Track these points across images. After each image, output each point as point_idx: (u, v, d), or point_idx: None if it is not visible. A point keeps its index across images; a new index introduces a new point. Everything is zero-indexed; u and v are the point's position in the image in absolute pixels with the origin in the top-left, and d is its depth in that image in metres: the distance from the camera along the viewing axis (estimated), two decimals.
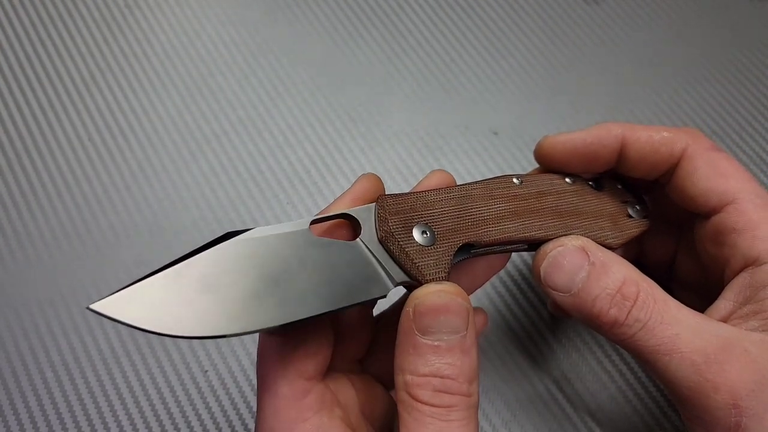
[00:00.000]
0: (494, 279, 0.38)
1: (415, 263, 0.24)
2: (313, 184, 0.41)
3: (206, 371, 0.35)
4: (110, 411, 0.34)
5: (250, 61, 0.45)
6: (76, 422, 0.34)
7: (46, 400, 0.34)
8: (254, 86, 0.44)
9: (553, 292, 0.25)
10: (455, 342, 0.23)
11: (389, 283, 0.24)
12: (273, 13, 0.47)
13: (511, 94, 0.45)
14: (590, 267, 0.25)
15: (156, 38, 0.46)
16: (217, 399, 0.35)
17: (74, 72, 0.44)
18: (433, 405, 0.22)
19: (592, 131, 0.29)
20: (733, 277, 0.27)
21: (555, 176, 0.29)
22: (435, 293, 0.23)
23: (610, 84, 0.46)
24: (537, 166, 0.32)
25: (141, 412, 0.34)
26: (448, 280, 0.24)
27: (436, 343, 0.22)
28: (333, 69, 0.45)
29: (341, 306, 0.23)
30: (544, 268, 0.26)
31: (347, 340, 0.28)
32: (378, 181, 0.27)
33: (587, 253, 0.25)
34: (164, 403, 0.34)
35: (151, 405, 0.34)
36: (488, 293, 0.38)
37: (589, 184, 0.30)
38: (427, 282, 0.24)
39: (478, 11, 0.48)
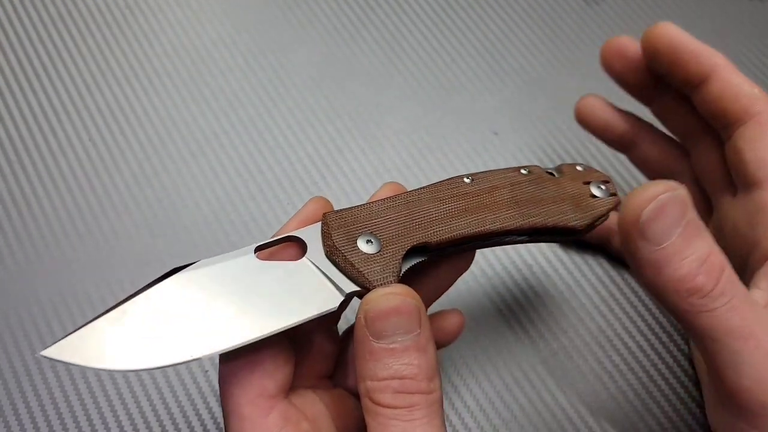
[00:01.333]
0: (499, 278, 0.38)
1: (361, 271, 0.24)
2: (314, 184, 0.41)
3: (206, 371, 0.35)
4: (111, 411, 0.34)
5: (250, 62, 0.45)
6: (76, 422, 0.34)
7: (47, 400, 0.34)
8: (254, 86, 0.44)
9: (643, 242, 0.22)
10: (410, 342, 0.22)
11: (339, 295, 0.24)
12: (273, 13, 0.47)
13: (512, 94, 0.45)
14: (685, 224, 0.22)
15: (156, 38, 0.46)
16: (218, 399, 0.35)
17: (74, 72, 0.44)
18: (394, 407, 0.22)
19: (700, 45, 0.30)
20: (762, 262, 0.26)
21: (509, 170, 0.29)
22: (383, 297, 0.23)
23: (611, 84, 0.45)
24: (539, 165, 0.31)
25: (141, 411, 0.34)
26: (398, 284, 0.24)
27: (391, 346, 0.22)
28: (333, 69, 0.45)
29: (291, 322, 0.23)
30: (648, 212, 0.22)
31: (311, 357, 0.28)
32: (327, 203, 0.27)
33: (687, 210, 0.23)
34: (164, 402, 0.34)
35: (152, 405, 0.34)
36: (488, 293, 0.38)
37: (547, 173, 0.29)
38: (374, 288, 0.24)
39: (478, 11, 0.48)
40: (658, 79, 0.33)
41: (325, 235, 0.25)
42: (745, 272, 0.27)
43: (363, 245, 0.24)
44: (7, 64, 0.44)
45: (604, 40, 0.36)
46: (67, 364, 0.21)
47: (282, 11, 0.47)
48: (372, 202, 0.26)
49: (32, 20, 0.46)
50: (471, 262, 0.30)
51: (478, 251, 0.30)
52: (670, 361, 0.36)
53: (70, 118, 0.42)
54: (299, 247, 0.25)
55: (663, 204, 0.22)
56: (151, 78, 0.44)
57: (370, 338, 0.22)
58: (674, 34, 0.31)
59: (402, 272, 0.25)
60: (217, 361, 0.26)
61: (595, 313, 0.37)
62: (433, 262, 0.27)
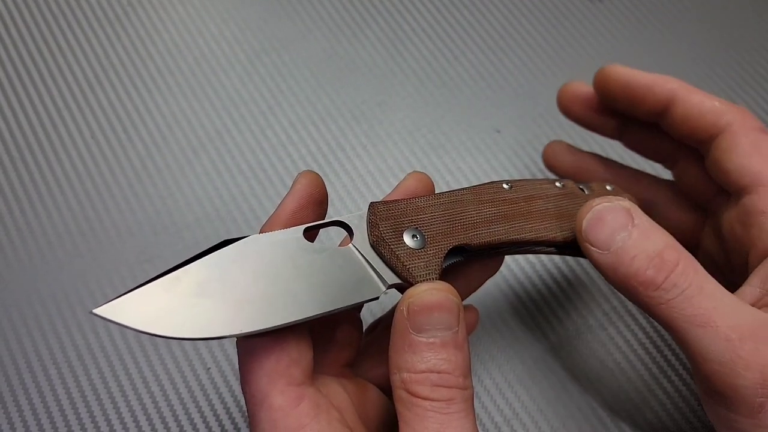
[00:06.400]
0: (499, 274, 0.38)
1: (406, 266, 0.24)
2: None
3: (209, 368, 0.35)
4: (113, 408, 0.34)
5: (252, 59, 0.45)
6: (79, 420, 0.34)
7: (50, 397, 0.34)
8: (257, 84, 0.44)
9: (592, 248, 0.25)
10: (449, 338, 0.23)
11: (381, 286, 0.24)
12: (275, 10, 0.47)
13: (514, 92, 0.45)
14: (633, 228, 0.25)
15: (159, 36, 0.46)
16: (220, 396, 0.35)
17: (77, 69, 0.44)
18: (433, 399, 0.22)
19: (651, 76, 0.31)
20: (759, 261, 0.27)
21: (545, 181, 0.30)
22: (428, 291, 0.23)
23: None
24: (541, 167, 0.32)
25: (144, 409, 0.34)
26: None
27: (431, 340, 0.23)
28: (335, 67, 0.45)
29: (334, 308, 0.23)
30: (587, 220, 0.26)
31: (337, 344, 0.28)
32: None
33: (632, 216, 0.25)
34: (167, 399, 0.34)
35: (154, 402, 0.34)
36: (488, 290, 0.38)
37: (579, 188, 0.30)
38: (417, 283, 0.24)
39: (481, 9, 0.48)
40: (620, 115, 0.34)
41: (372, 225, 0.25)
42: (746, 271, 0.28)
43: (408, 240, 0.25)
44: (10, 61, 0.44)
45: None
46: (117, 325, 0.21)
47: (284, 9, 0.47)
48: (417, 198, 0.27)
49: (34, 17, 0.46)
50: (500, 266, 0.31)
51: None
52: (678, 350, 0.36)
53: (72, 115, 0.42)
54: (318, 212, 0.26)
55: (600, 213, 0.26)
56: (153, 75, 0.44)
57: (411, 331, 0.23)
58: (623, 74, 0.31)
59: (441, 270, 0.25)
60: (236, 349, 0.26)
61: (597, 311, 0.37)
62: (465, 263, 0.28)
